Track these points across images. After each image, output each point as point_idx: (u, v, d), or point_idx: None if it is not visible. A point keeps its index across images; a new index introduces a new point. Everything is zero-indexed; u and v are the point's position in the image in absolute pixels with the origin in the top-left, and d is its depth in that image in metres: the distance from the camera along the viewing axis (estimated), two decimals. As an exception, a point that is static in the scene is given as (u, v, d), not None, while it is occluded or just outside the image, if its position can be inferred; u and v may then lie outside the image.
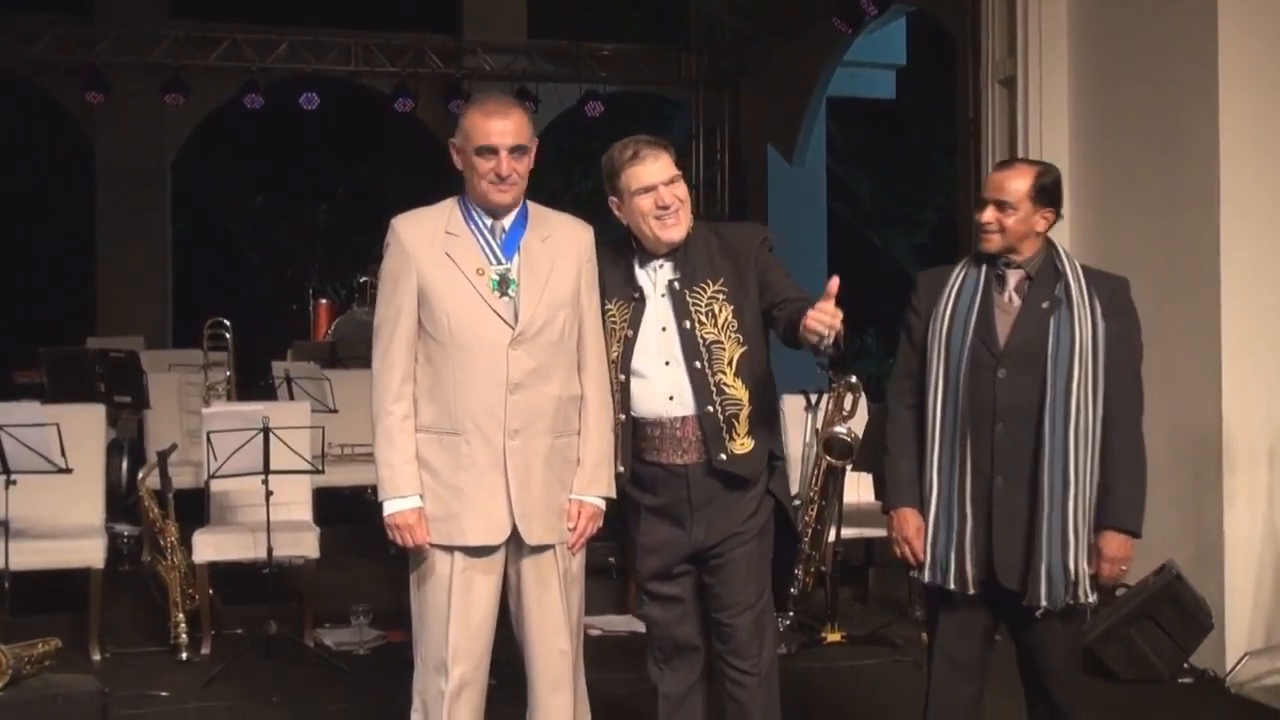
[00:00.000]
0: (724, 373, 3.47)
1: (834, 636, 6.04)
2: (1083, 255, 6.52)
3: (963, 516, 3.46)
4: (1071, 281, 3.47)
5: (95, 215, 15.08)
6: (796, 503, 6.40)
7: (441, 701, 3.41)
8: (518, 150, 3.39)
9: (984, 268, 3.56)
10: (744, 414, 3.48)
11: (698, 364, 3.47)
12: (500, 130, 3.37)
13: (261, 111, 13.30)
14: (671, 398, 3.50)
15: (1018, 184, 3.49)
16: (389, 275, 3.44)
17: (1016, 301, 3.50)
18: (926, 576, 3.53)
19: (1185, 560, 5.57)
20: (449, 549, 3.41)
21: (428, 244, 3.41)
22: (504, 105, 3.42)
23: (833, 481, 6.04)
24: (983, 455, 3.43)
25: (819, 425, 6.22)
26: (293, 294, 13.58)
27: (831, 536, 6.10)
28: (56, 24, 12.68)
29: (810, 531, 6.13)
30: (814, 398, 6.66)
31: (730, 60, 14.20)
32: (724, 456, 3.48)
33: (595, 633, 6.10)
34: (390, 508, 3.40)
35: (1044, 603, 3.40)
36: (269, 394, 8.19)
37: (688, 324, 3.48)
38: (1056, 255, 3.55)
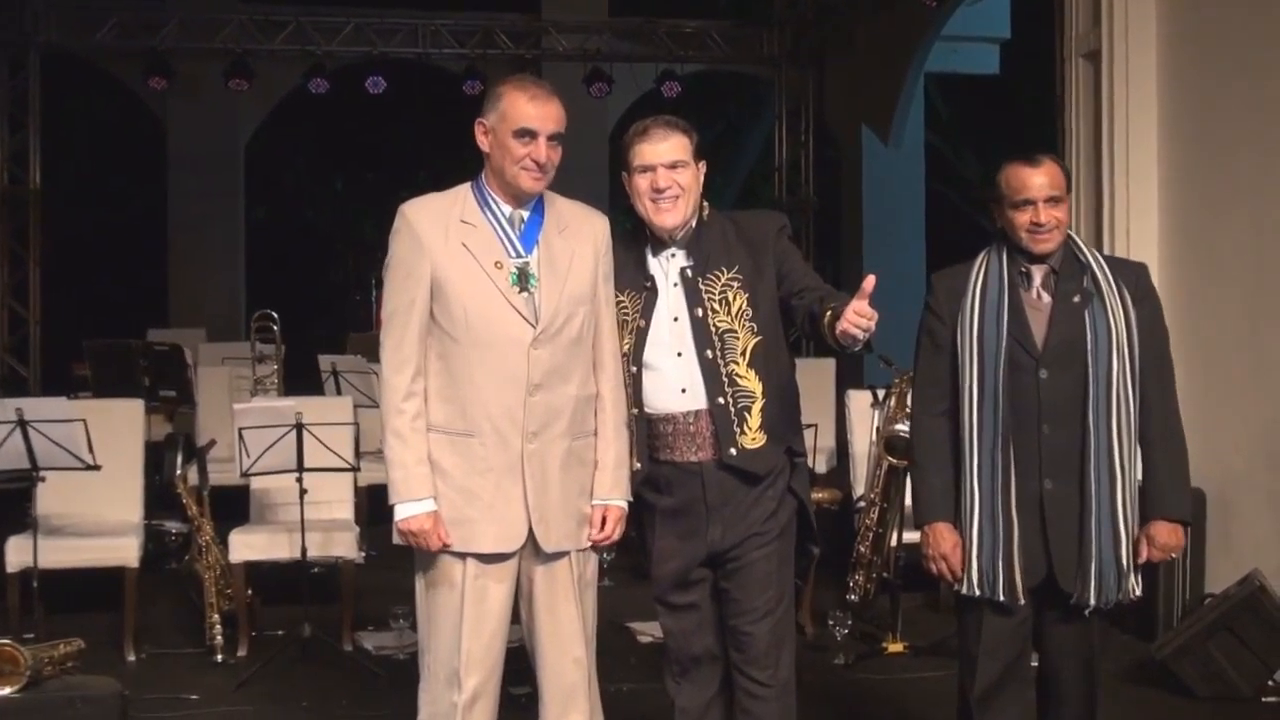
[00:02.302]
0: (737, 363, 3.46)
1: (896, 647, 5.97)
2: (1176, 247, 6.40)
3: (1009, 523, 3.46)
4: (1098, 272, 3.50)
5: (167, 202, 15.38)
6: (860, 504, 6.36)
7: (455, 715, 3.41)
8: (556, 138, 3.40)
9: (1004, 263, 3.54)
10: (757, 407, 3.47)
11: (709, 353, 3.47)
12: (543, 115, 3.37)
13: (335, 96, 13.46)
14: (684, 390, 3.50)
15: (1060, 175, 3.52)
16: (400, 264, 3.43)
17: (1046, 298, 3.52)
18: (976, 590, 3.50)
19: (1272, 570, 5.43)
20: (461, 555, 3.42)
21: (442, 232, 3.40)
22: (545, 90, 3.42)
23: (895, 482, 5.98)
24: (1029, 459, 3.45)
25: (881, 423, 6.14)
26: (359, 283, 13.76)
27: (894, 540, 6.02)
28: (121, 8, 12.95)
29: (871, 535, 6.08)
30: (881, 394, 6.57)
31: (815, 36, 14.08)
32: (734, 451, 3.47)
33: (646, 639, 6.09)
34: (403, 511, 3.40)
35: (1093, 600, 3.45)
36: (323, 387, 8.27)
37: (699, 311, 3.49)
38: (1075, 246, 3.56)
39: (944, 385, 3.56)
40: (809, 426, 6.52)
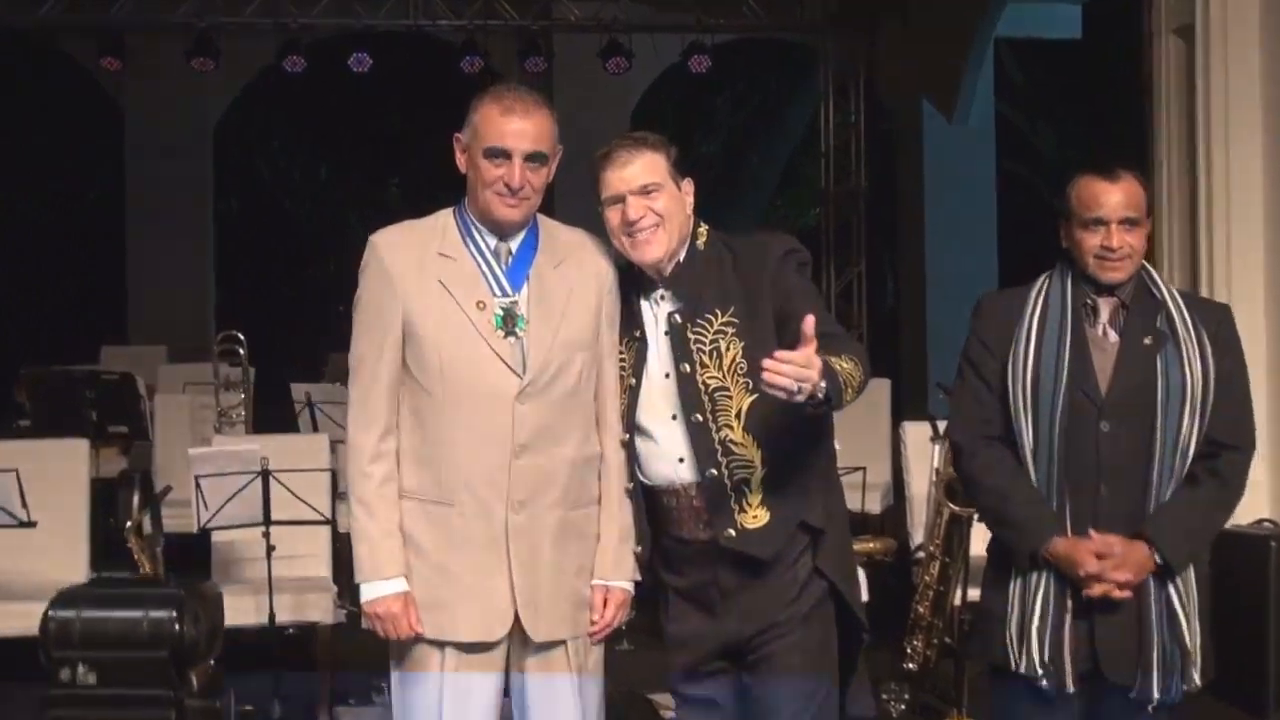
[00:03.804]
0: (730, 427, 3.38)
1: (961, 721, 5.90)
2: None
3: (1061, 596, 3.44)
4: (1174, 311, 3.47)
5: (125, 197, 15.42)
6: (919, 555, 6.29)
7: None
8: (535, 159, 3.36)
9: (1068, 292, 3.51)
10: (756, 478, 3.39)
11: (698, 416, 3.39)
12: (517, 131, 3.34)
13: (313, 76, 13.45)
14: (682, 460, 3.44)
15: (1141, 195, 3.49)
16: (368, 304, 3.42)
17: (1113, 337, 3.49)
18: (1021, 666, 3.47)
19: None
20: (438, 644, 3.39)
21: (416, 268, 3.38)
22: (526, 102, 3.38)
23: (957, 533, 5.91)
24: (1082, 522, 3.44)
25: (940, 464, 6.06)
26: (342, 288, 13.74)
27: (957, 599, 5.95)
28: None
29: (931, 593, 6.02)
30: (941, 426, 6.49)
31: (866, -1, 14.02)
32: (732, 532, 3.40)
33: (669, 715, 6.03)
34: (370, 593, 3.39)
35: (1155, 694, 3.41)
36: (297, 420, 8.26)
37: (686, 367, 3.41)
38: (1150, 279, 3.53)
39: (992, 411, 3.53)
40: (856, 469, 6.54)
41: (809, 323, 3.05)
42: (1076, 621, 3.44)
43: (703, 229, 3.52)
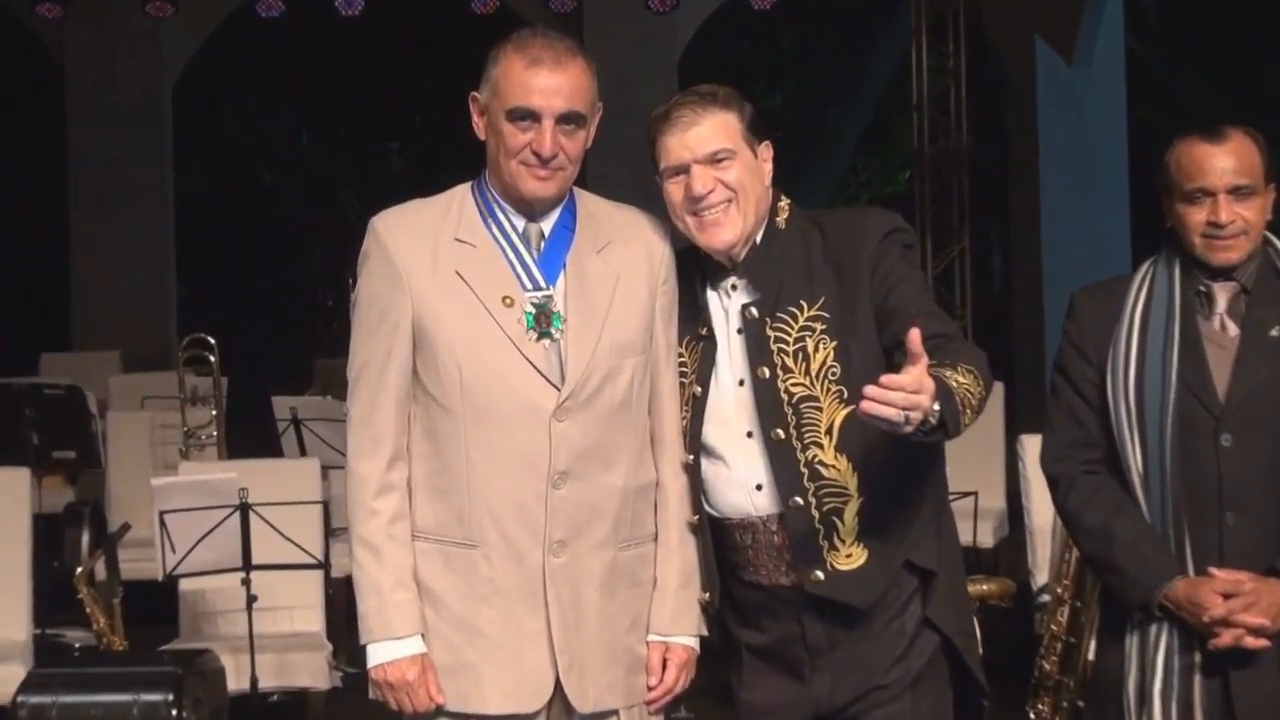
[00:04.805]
0: (819, 445, 3.36)
1: (1095, 802, 5.88)
2: None
3: (1186, 649, 3.47)
4: None
5: (68, 171, 15.51)
6: (1044, 599, 6.27)
7: None
8: (570, 120, 3.34)
9: (1176, 280, 3.54)
10: (851, 508, 3.37)
11: (779, 432, 3.37)
12: (547, 87, 3.31)
13: (290, 20, 13.53)
14: (759, 486, 3.42)
15: (1256, 158, 3.50)
16: (370, 302, 3.41)
17: (1233, 330, 3.51)
18: None
19: None
20: (463, 717, 3.39)
21: (429, 256, 3.37)
22: (557, 50, 3.35)
23: (1090, 573, 5.89)
24: (1206, 558, 3.46)
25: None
26: (331, 279, 13.82)
27: (1091, 652, 5.93)
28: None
29: (1060, 646, 5.99)
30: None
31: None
32: (819, 575, 3.37)
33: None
34: (379, 655, 3.38)
35: None
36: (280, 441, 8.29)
37: (765, 372, 3.39)
38: (1277, 256, 3.54)
39: (1092, 431, 3.55)
40: (967, 495, 6.50)
41: (915, 337, 2.99)
42: (1207, 680, 3.44)
43: (784, 203, 3.50)
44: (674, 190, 3.41)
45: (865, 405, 2.96)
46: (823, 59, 19.09)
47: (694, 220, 3.40)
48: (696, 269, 3.52)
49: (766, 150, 3.47)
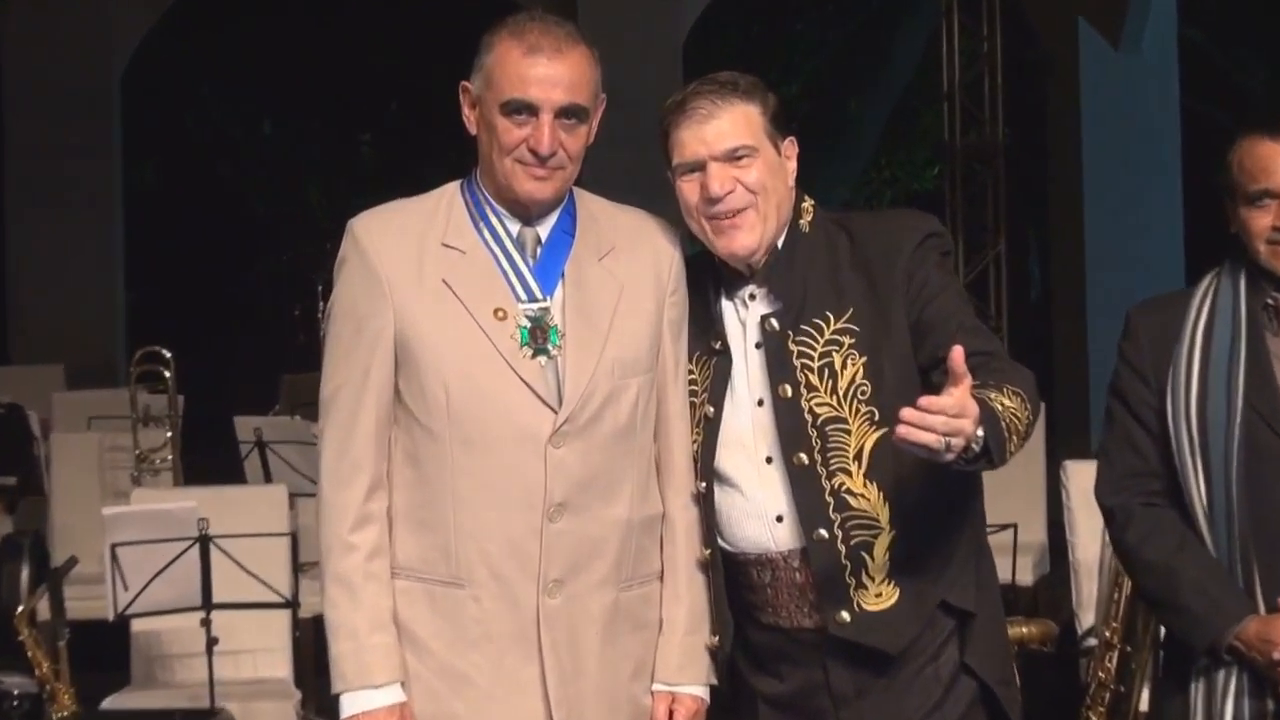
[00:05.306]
0: (847, 472, 3.37)
1: None
2: None
3: (1259, 697, 3.48)
4: None
5: (3, 163, 15.52)
6: (1090, 642, 6.28)
7: None
8: (571, 114, 3.35)
9: (1241, 292, 3.56)
10: (882, 543, 3.38)
11: (803, 457, 3.38)
12: (546, 78, 3.33)
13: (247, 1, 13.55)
14: (780, 518, 3.42)
15: None
16: (346, 314, 3.43)
17: None
18: None
19: None
20: (448, 775, 3.41)
21: (414, 264, 3.39)
22: (556, 37, 3.37)
23: (1142, 614, 5.89)
24: (1278, 595, 3.47)
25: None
26: (300, 285, 13.83)
27: (1143, 701, 5.94)
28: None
29: (1108, 695, 6.00)
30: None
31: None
32: (845, 616, 3.38)
33: None
34: (354, 705, 3.38)
35: None
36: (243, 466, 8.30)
37: (787, 390, 3.39)
38: None
39: (1151, 460, 3.58)
40: (1005, 527, 6.48)
41: (958, 355, 2.99)
42: None
43: (807, 204, 3.51)
44: (688, 189, 3.42)
45: (902, 430, 2.95)
46: (842, 43, 19.11)
47: (710, 223, 3.41)
48: (710, 276, 3.53)
49: (791, 147, 3.49)
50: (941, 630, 3.46)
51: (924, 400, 2.96)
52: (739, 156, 3.39)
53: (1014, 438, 3.12)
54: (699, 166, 3.39)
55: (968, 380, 2.99)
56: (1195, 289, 3.63)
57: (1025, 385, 3.22)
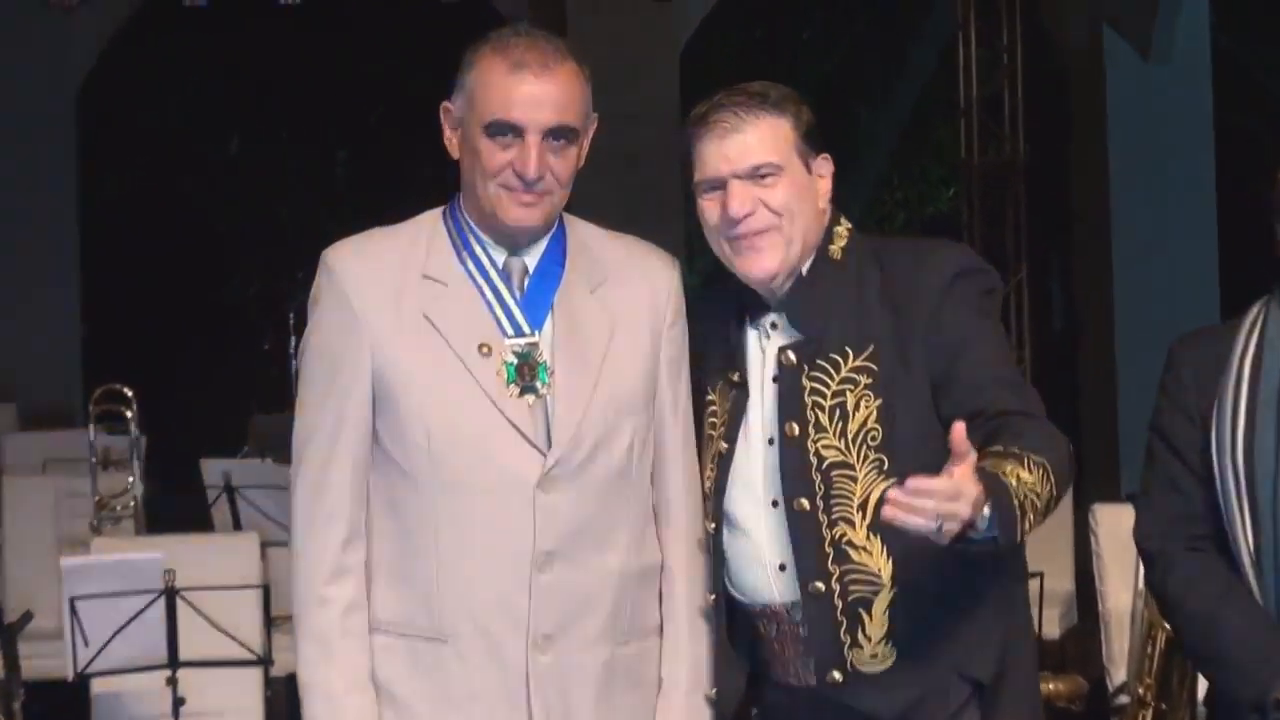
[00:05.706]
0: (849, 521, 3.35)
1: None
2: None
3: None
4: None
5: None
6: (1121, 700, 6.28)
7: None
8: (560, 135, 3.37)
9: None
10: (882, 601, 3.36)
11: (803, 502, 3.37)
12: (532, 97, 3.34)
13: (217, 7, 13.57)
14: (783, 567, 3.42)
15: None
16: (321, 353, 3.44)
17: None
18: None
19: None
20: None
21: (391, 298, 3.40)
22: (543, 52, 3.38)
23: (1178, 669, 5.90)
24: None
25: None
26: (271, 314, 13.81)
27: (1182, 764, 5.95)
28: None
29: (1142, 756, 6.01)
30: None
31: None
32: (837, 675, 3.38)
33: None
34: None
35: None
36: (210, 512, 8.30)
37: (794, 428, 3.39)
38: None
39: (1195, 502, 3.56)
40: (1031, 576, 6.47)
41: (959, 433, 2.98)
42: None
43: (842, 228, 3.50)
44: (709, 208, 3.43)
45: (888, 512, 2.96)
46: (851, 52, 19.12)
47: (729, 244, 3.43)
48: (734, 302, 3.53)
49: (825, 165, 3.48)
50: (956, 697, 3.44)
51: (912, 481, 2.95)
52: (763, 175, 3.39)
53: (1029, 516, 3.07)
54: (720, 184, 3.40)
55: (970, 459, 2.98)
56: (1242, 319, 3.61)
57: (1051, 454, 3.18)
